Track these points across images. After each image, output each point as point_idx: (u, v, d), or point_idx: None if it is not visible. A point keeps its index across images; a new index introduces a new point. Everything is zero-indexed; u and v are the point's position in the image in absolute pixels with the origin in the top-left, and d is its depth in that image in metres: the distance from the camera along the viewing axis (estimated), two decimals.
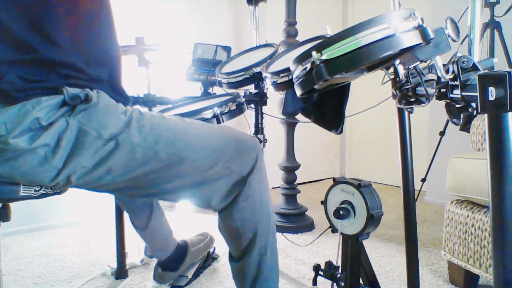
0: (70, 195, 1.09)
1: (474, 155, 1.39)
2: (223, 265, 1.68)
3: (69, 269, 1.67)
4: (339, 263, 1.08)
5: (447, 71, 0.77)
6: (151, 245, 1.48)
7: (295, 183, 2.33)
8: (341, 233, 1.06)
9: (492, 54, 2.15)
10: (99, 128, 0.81)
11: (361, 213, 1.01)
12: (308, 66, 0.76)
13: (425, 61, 0.83)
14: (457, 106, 0.80)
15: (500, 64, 2.09)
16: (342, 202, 1.05)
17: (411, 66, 0.87)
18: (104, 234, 2.09)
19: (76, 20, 0.85)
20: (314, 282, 1.10)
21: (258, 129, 1.63)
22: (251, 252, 0.98)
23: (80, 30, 0.86)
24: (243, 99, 1.33)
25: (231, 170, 0.93)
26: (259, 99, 1.58)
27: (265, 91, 1.58)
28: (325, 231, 1.35)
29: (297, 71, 0.80)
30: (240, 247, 0.99)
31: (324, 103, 1.42)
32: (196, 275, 1.56)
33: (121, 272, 1.56)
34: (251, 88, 1.62)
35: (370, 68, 0.93)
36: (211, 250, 1.69)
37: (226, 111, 1.22)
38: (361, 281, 1.10)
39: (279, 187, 2.35)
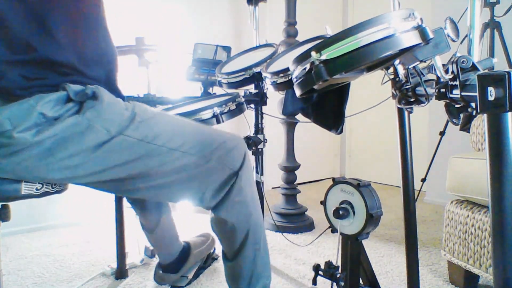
0: (70, 195, 1.09)
1: (474, 155, 1.39)
2: (223, 265, 1.68)
3: (69, 269, 1.67)
4: (339, 263, 1.08)
5: (446, 71, 0.77)
6: (157, 248, 1.48)
7: (295, 183, 2.33)
8: (341, 233, 1.06)
9: (492, 54, 2.15)
10: (107, 125, 0.83)
11: (360, 213, 1.01)
12: (308, 66, 0.76)
13: (425, 61, 0.83)
14: (456, 106, 0.80)
15: (500, 64, 2.09)
16: (342, 202, 1.05)
17: (410, 66, 0.87)
18: (104, 234, 2.08)
19: (75, 20, 0.87)
20: (314, 282, 1.10)
21: (258, 129, 1.63)
22: (246, 248, 0.99)
23: (78, 30, 0.88)
24: (243, 99, 1.33)
25: (224, 165, 0.96)
26: (259, 99, 1.59)
27: (265, 91, 1.59)
28: (324, 231, 1.35)
29: (297, 71, 0.80)
30: (235, 244, 1.00)
31: (324, 103, 1.42)
32: (196, 275, 1.56)
33: (121, 272, 1.56)
34: (251, 88, 1.62)
35: (370, 68, 0.93)
36: (212, 250, 1.69)
37: (226, 111, 1.23)
38: (361, 281, 1.10)
39: (279, 187, 2.35)
